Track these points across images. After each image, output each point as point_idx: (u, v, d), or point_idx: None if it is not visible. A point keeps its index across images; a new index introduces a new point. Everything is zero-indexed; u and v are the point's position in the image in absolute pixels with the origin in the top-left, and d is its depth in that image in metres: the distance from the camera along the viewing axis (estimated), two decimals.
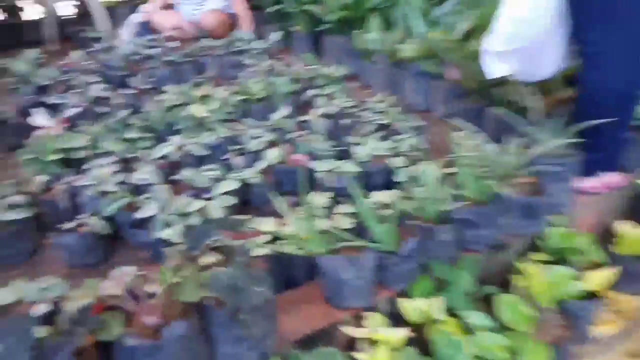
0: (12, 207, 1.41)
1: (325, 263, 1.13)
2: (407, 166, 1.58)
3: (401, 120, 1.91)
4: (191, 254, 0.98)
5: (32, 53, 2.58)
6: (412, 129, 1.87)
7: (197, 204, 1.38)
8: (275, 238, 1.29)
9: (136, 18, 3.30)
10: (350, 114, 2.01)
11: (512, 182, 1.38)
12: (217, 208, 1.38)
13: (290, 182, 1.68)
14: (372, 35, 2.60)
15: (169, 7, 3.44)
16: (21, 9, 4.42)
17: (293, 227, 1.24)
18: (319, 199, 1.44)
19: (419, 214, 1.28)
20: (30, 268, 1.35)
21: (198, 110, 1.88)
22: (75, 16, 4.42)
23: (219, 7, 3.37)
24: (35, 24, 4.05)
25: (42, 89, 2.38)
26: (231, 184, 1.47)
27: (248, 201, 1.62)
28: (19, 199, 1.43)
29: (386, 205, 1.36)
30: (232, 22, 3.41)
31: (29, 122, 1.86)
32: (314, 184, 1.66)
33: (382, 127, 1.90)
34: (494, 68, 1.71)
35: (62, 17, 4.40)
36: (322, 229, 1.20)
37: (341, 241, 1.17)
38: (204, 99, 2.05)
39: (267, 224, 1.33)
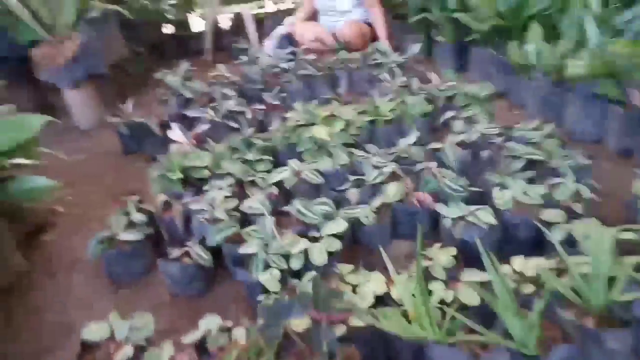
0: (133, 225, 1.45)
1: (439, 356, 0.89)
2: (564, 222, 1.23)
3: (561, 156, 1.53)
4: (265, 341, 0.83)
5: (184, 66, 2.77)
6: (575, 169, 1.48)
7: (301, 245, 1.25)
8: (380, 299, 1.08)
9: (280, 30, 3.36)
10: (494, 144, 1.69)
11: None
12: (321, 252, 1.23)
13: (409, 225, 1.45)
14: (532, 47, 2.19)
15: (312, 18, 3.43)
16: (188, 23, 4.90)
17: (402, 292, 1.02)
18: (441, 255, 1.19)
19: (577, 301, 0.95)
20: (138, 289, 1.36)
21: (320, 132, 1.76)
22: (229, 28, 4.75)
23: (360, 18, 3.25)
24: (198, 36, 4.44)
25: (188, 102, 2.52)
26: (339, 225, 1.30)
27: (358, 241, 1.44)
28: (139, 217, 1.47)
29: (530, 281, 1.05)
30: (373, 33, 3.26)
31: (168, 135, 1.95)
32: (438, 231, 1.41)
33: (533, 164, 1.55)
34: None
35: (223, 30, 4.78)
36: (437, 304, 0.95)
37: (462, 326, 0.91)
38: (329, 119, 1.92)
39: (373, 281, 1.13)
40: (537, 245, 1.29)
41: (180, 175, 1.61)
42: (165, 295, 1.33)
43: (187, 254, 1.32)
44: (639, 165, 1.67)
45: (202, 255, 1.31)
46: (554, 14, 2.24)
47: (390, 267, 1.07)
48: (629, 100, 1.75)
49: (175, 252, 1.32)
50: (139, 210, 1.51)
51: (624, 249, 1.13)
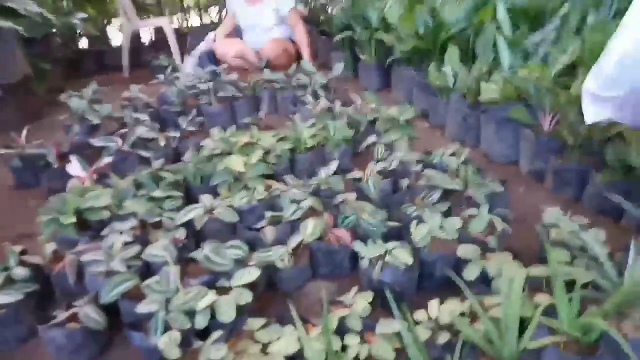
0: (11, 282, 1.25)
1: None
2: (478, 259, 1.21)
3: (477, 184, 1.52)
4: None
5: (92, 87, 2.55)
6: (490, 197, 1.48)
7: (207, 299, 1.13)
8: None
9: (202, 47, 3.21)
10: (412, 172, 1.66)
11: (633, 316, 0.95)
12: (230, 307, 1.12)
13: (328, 265, 1.37)
14: (449, 70, 2.22)
15: (235, 36, 3.32)
16: (107, 37, 4.59)
17: (313, 356, 0.94)
18: (358, 302, 1.12)
19: (490, 351, 0.91)
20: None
21: (236, 163, 1.65)
22: (151, 43, 4.52)
23: (284, 36, 3.18)
24: (117, 51, 4.17)
25: (95, 128, 2.31)
26: (251, 275, 1.20)
27: (274, 285, 1.34)
28: (21, 272, 1.27)
29: (446, 328, 1.01)
30: (297, 51, 3.21)
31: (67, 170, 1.75)
32: (356, 269, 1.34)
33: (451, 193, 1.53)
34: (592, 112, 1.27)
35: (144, 44, 4.53)
36: None
37: None
38: (247, 147, 1.82)
39: (284, 339, 1.03)
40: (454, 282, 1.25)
41: (73, 220, 1.43)
42: None
43: (75, 316, 1.16)
44: (549, 189, 1.72)
45: (93, 318, 1.15)
46: (470, 37, 2.28)
47: (299, 325, 0.98)
48: (540, 124, 1.80)
49: (60, 316, 1.15)
50: (22, 263, 1.31)
51: (533, 285, 1.12)
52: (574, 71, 1.93)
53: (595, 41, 1.85)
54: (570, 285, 0.98)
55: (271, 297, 1.31)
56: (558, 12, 2.20)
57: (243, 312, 1.14)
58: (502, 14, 2.17)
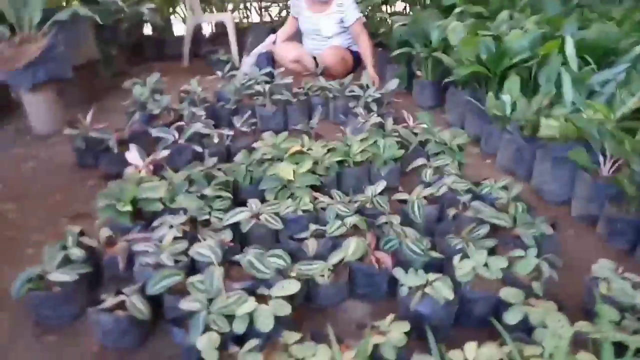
0: (69, 261, 1.33)
1: None
2: (521, 303, 1.19)
3: (526, 223, 1.49)
4: None
5: (155, 76, 2.65)
6: (539, 239, 1.45)
7: (247, 306, 1.16)
8: None
9: (260, 48, 3.28)
10: (460, 202, 1.64)
11: None
12: (268, 317, 1.15)
13: (366, 286, 1.39)
14: (509, 98, 2.18)
15: (294, 39, 3.36)
16: (171, 26, 4.74)
17: None
18: (394, 330, 1.13)
19: None
20: (65, 337, 1.25)
21: (286, 171, 1.68)
22: (211, 36, 4.64)
23: (343, 45, 3.20)
24: (178, 41, 4.31)
25: (154, 117, 2.41)
26: (291, 287, 1.22)
27: (312, 299, 1.36)
28: (77, 253, 1.35)
29: None
30: (354, 60, 3.22)
31: (126, 156, 1.84)
32: (394, 293, 1.35)
33: (497, 229, 1.51)
34: None
35: (204, 36, 4.66)
36: None
37: None
38: (297, 155, 1.85)
39: (318, 357, 1.05)
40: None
41: (130, 208, 1.51)
42: (94, 346, 1.22)
43: (122, 303, 1.22)
44: (600, 237, 1.66)
45: (139, 308, 1.20)
46: (533, 67, 2.23)
47: (335, 347, 1.00)
48: (599, 168, 1.74)
49: (108, 301, 1.21)
50: (79, 244, 1.39)
51: (576, 339, 1.09)
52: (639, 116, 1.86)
53: None
54: (616, 347, 0.95)
55: (307, 310, 1.33)
56: (629, 52, 2.12)
57: (280, 323, 1.16)
58: (570, 48, 2.11)
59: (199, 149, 2.05)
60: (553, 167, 1.86)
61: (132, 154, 1.82)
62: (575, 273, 1.44)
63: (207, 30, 4.94)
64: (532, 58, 2.24)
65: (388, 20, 3.36)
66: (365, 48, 3.10)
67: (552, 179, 1.88)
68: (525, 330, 1.14)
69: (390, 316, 1.18)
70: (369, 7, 3.86)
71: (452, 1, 3.24)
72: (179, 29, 4.74)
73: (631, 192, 1.56)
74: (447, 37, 2.61)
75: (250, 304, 1.17)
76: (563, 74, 2.03)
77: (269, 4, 4.92)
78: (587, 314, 1.30)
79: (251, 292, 1.23)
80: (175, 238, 1.41)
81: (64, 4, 3.15)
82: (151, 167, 1.78)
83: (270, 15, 4.98)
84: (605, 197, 1.66)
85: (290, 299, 1.23)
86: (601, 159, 1.74)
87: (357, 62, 3.22)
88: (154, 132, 2.08)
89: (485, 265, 1.30)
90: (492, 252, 1.41)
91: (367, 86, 2.63)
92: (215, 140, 2.12)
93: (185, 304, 1.17)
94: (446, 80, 2.66)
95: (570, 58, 2.10)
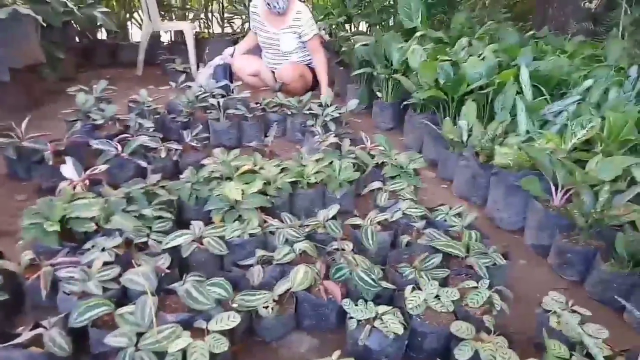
0: None
1: None
2: (472, 339, 1.14)
3: (479, 253, 1.46)
4: None
5: (101, 84, 2.50)
6: (491, 268, 1.42)
7: (181, 342, 1.05)
8: None
9: (217, 60, 3.18)
10: (414, 229, 1.60)
11: None
12: (203, 355, 1.04)
13: (314, 317, 1.30)
14: (464, 124, 2.19)
15: (253, 53, 3.29)
16: (127, 32, 4.56)
17: None
18: None
19: None
20: None
21: (233, 192, 1.59)
22: (168, 44, 4.50)
23: (302, 61, 3.16)
24: (134, 47, 4.15)
25: (97, 127, 2.26)
26: (231, 321, 1.12)
27: (254, 332, 1.27)
28: None
29: None
30: (313, 78, 3.18)
31: (61, 170, 1.69)
32: (342, 325, 1.27)
33: (451, 258, 1.47)
34: None
35: (162, 44, 4.51)
36: None
37: None
38: (248, 175, 1.76)
39: None
40: (445, 356, 1.19)
41: (57, 228, 1.37)
42: None
43: (40, 337, 1.08)
44: (552, 266, 1.66)
45: (59, 343, 1.07)
46: (490, 94, 2.26)
47: None
48: (551, 197, 1.75)
49: (24, 335, 1.07)
50: None
51: None
52: (589, 147, 1.90)
53: (615, 119, 1.82)
54: None
55: (249, 344, 1.24)
56: (580, 84, 2.18)
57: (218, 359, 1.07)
58: (525, 78, 2.15)
59: (143, 163, 1.93)
60: (507, 195, 1.86)
61: (68, 168, 1.68)
62: (526, 305, 1.42)
63: (165, 38, 4.79)
64: (488, 85, 2.26)
65: (351, 39, 3.35)
66: (320, 65, 3.07)
67: (506, 207, 1.88)
68: None
69: (337, 352, 1.10)
70: (333, 25, 3.85)
71: (413, 25, 3.27)
72: (136, 35, 4.57)
73: (581, 223, 1.57)
74: (408, 60, 2.61)
75: (184, 339, 1.06)
76: (518, 103, 2.06)
77: (231, 15, 4.83)
78: (537, 348, 1.27)
79: (187, 325, 1.13)
80: (106, 263, 1.29)
81: (8, 1, 2.95)
82: (87, 182, 1.64)
83: (232, 27, 4.90)
84: (556, 227, 1.66)
85: (230, 332, 1.13)
86: (553, 188, 1.75)
87: (316, 80, 3.18)
88: (95, 144, 1.94)
89: (437, 297, 1.26)
90: (444, 282, 1.37)
91: (326, 105, 2.58)
92: (163, 154, 2.01)
93: (112, 339, 1.05)
94: (405, 102, 2.65)
95: (525, 87, 2.14)
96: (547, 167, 1.70)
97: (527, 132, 2.03)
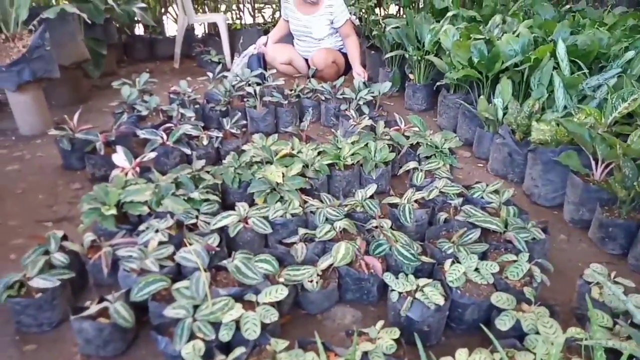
0: (51, 266, 1.29)
1: None
2: (513, 309, 1.17)
3: (518, 228, 1.48)
4: None
5: (144, 77, 2.61)
6: (530, 244, 1.44)
7: (234, 313, 1.13)
8: None
9: (251, 49, 3.25)
10: (451, 206, 1.63)
11: None
12: (255, 324, 1.12)
13: (356, 291, 1.36)
14: (499, 102, 2.17)
15: (285, 41, 3.34)
16: (163, 26, 4.69)
17: None
18: (384, 337, 1.10)
19: None
20: (46, 345, 1.21)
21: (274, 174, 1.66)
22: (203, 36, 4.60)
23: (334, 47, 3.18)
24: (170, 41, 4.27)
25: (142, 118, 2.37)
26: (279, 293, 1.19)
27: (299, 305, 1.34)
28: (60, 258, 1.32)
29: None
30: (346, 62, 3.20)
31: (112, 159, 1.80)
32: (384, 299, 1.32)
33: (489, 233, 1.49)
34: None
35: (196, 37, 4.62)
36: None
37: None
38: (287, 158, 1.83)
39: None
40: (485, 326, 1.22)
41: (114, 212, 1.47)
42: (76, 356, 1.18)
43: (105, 310, 1.18)
44: (592, 241, 1.65)
45: (123, 315, 1.17)
46: (525, 71, 2.23)
47: (323, 356, 0.97)
48: (591, 172, 1.73)
49: (92, 308, 1.18)
50: (61, 249, 1.36)
51: (571, 346, 1.08)
52: (631, 120, 1.86)
53: None
54: (609, 353, 0.94)
55: (295, 317, 1.30)
56: (620, 57, 2.12)
57: (267, 330, 1.14)
58: (562, 53, 2.11)
59: (187, 150, 2.02)
60: (545, 171, 1.85)
61: (119, 156, 1.78)
62: (567, 278, 1.43)
63: (200, 30, 4.89)
64: (523, 62, 2.23)
65: (381, 22, 3.34)
66: (352, 48, 3.09)
67: (543, 183, 1.87)
68: (516, 337, 1.12)
69: (380, 322, 1.16)
70: (363, 10, 3.84)
71: (445, 4, 3.24)
72: (171, 29, 4.69)
73: (623, 197, 1.56)
74: (440, 41, 2.60)
75: (237, 310, 1.14)
76: (555, 78, 2.03)
77: (262, 5, 4.88)
78: (579, 320, 1.29)
79: (238, 298, 1.20)
80: (161, 243, 1.38)
81: (53, 1, 3.11)
82: (138, 169, 1.74)
83: (263, 17, 4.95)
84: (597, 201, 1.65)
85: (277, 305, 1.20)
86: (593, 163, 1.73)
87: (348, 65, 3.20)
88: (142, 134, 2.04)
89: (476, 270, 1.29)
90: (483, 256, 1.40)
91: (359, 89, 2.61)
92: (205, 142, 2.09)
93: (170, 311, 1.14)
94: (438, 83, 2.64)
95: (562, 62, 2.10)
96: (587, 141, 1.69)
97: (565, 107, 2.00)
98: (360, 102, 2.50)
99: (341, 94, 2.60)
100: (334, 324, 1.30)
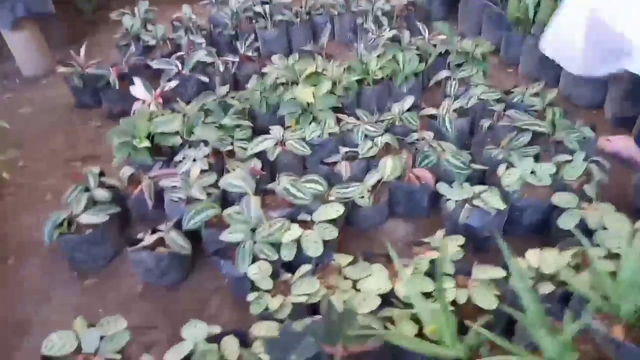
0: (94, 203, 1.26)
1: None
2: (575, 207, 1.14)
3: (566, 128, 1.42)
4: None
5: (143, 5, 2.43)
6: (580, 142, 1.39)
7: (293, 233, 1.11)
8: (386, 300, 0.97)
9: None
10: (493, 112, 1.56)
11: None
12: (316, 242, 1.10)
13: (407, 204, 1.33)
14: (531, 0, 2.02)
15: None
16: None
17: (410, 293, 0.91)
18: (450, 246, 1.09)
19: (604, 307, 0.87)
20: (105, 278, 1.20)
21: (304, 94, 1.57)
22: None
23: None
24: None
25: (149, 49, 2.24)
26: (335, 210, 1.17)
27: (351, 222, 1.32)
28: (103, 194, 1.28)
29: (547, 278, 0.97)
30: None
31: (131, 91, 1.70)
32: (436, 210, 1.30)
33: (536, 137, 1.44)
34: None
35: None
36: (451, 314, 0.85)
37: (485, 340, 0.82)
38: (313, 77, 1.73)
39: (374, 277, 1.02)
40: (544, 228, 1.21)
41: (147, 144, 1.41)
42: (137, 285, 1.18)
43: (161, 240, 1.16)
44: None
45: (180, 243, 1.15)
46: None
47: (396, 261, 0.95)
48: None
49: (147, 239, 1.16)
50: (101, 184, 1.31)
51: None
52: None
53: None
54: None
55: (350, 233, 1.29)
56: None
57: (327, 247, 1.12)
58: None
59: (204, 78, 1.91)
60: None
61: (138, 88, 1.69)
62: (620, 175, 1.39)
63: None
64: None
65: None
66: None
67: (583, 83, 1.78)
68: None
69: (441, 231, 1.14)
70: None
71: None
72: None
73: None
74: None
75: (296, 230, 1.12)
76: None
77: None
78: (636, 213, 1.26)
79: (291, 219, 1.18)
80: (202, 171, 1.33)
81: None
82: (160, 100, 1.65)
83: None
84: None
85: (333, 223, 1.18)
86: None
87: None
88: (155, 64, 1.93)
89: (532, 173, 1.25)
90: (535, 159, 1.35)
91: None
92: (221, 68, 1.98)
93: (228, 236, 1.11)
94: None
95: None
96: None
97: None
98: (378, 14, 2.34)
99: (356, 6, 2.43)
100: (388, 238, 1.28)
